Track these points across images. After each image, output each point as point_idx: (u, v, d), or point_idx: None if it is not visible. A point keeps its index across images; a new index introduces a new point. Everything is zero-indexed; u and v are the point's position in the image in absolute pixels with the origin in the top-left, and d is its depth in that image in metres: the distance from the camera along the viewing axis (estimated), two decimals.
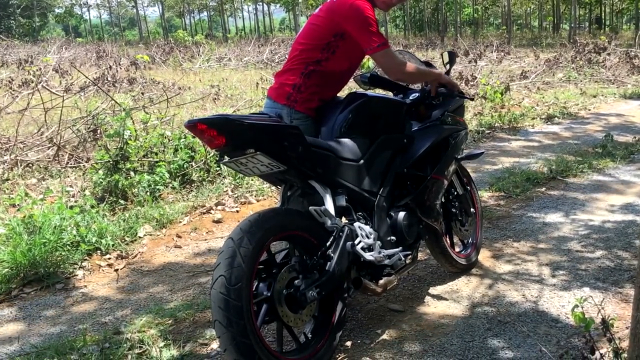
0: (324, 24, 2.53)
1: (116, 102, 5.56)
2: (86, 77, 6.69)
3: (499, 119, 7.76)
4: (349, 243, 2.30)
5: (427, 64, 2.98)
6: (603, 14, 47.17)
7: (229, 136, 2.05)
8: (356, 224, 2.39)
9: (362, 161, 2.51)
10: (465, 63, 13.58)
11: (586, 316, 2.03)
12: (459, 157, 3.03)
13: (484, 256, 3.39)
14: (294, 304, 2.14)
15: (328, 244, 2.26)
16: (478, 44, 22.19)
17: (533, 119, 8.03)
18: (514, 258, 3.39)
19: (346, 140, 2.49)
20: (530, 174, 5.01)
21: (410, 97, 2.89)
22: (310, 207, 2.24)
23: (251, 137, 2.09)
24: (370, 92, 2.72)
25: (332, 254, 2.23)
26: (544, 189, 4.73)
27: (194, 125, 2.06)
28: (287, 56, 2.72)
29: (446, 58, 3.01)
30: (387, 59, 2.53)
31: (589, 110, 8.86)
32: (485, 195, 4.57)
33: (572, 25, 31.23)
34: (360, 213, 2.52)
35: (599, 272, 3.13)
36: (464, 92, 3.06)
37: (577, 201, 4.39)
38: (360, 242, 2.35)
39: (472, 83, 10.07)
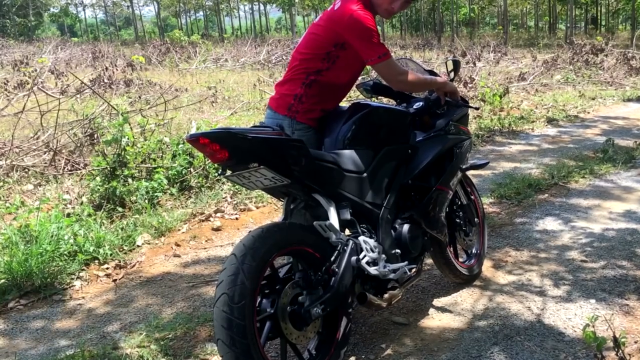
0: (324, 34, 2.48)
1: (113, 107, 5.50)
2: (82, 82, 6.61)
3: (499, 122, 7.72)
4: (353, 258, 2.26)
5: (432, 72, 2.94)
6: (599, 14, 47.28)
7: (232, 150, 2.02)
8: (361, 238, 2.35)
9: (366, 173, 2.47)
10: (463, 64, 13.54)
11: (596, 332, 2.00)
12: (464, 167, 2.99)
13: (487, 266, 3.35)
14: (298, 321, 2.10)
15: (332, 258, 2.22)
16: (475, 44, 22.16)
17: (532, 122, 8.00)
18: (518, 268, 3.35)
19: (350, 152, 2.44)
20: (532, 180, 4.97)
21: (414, 106, 2.84)
22: (315, 222, 2.20)
23: (254, 151, 2.05)
24: (373, 102, 2.68)
25: (336, 269, 2.19)
26: (545, 195, 4.69)
27: (196, 139, 2.01)
28: (284, 57, 2.67)
29: (450, 66, 2.97)
30: (389, 69, 2.49)
31: (588, 112, 8.84)
32: (487, 202, 4.52)
33: (569, 25, 31.26)
34: (363, 225, 2.47)
35: (604, 282, 3.09)
36: (467, 101, 3.02)
37: (579, 208, 4.36)
38: (365, 256, 2.31)
39: (470, 85, 10.03)
